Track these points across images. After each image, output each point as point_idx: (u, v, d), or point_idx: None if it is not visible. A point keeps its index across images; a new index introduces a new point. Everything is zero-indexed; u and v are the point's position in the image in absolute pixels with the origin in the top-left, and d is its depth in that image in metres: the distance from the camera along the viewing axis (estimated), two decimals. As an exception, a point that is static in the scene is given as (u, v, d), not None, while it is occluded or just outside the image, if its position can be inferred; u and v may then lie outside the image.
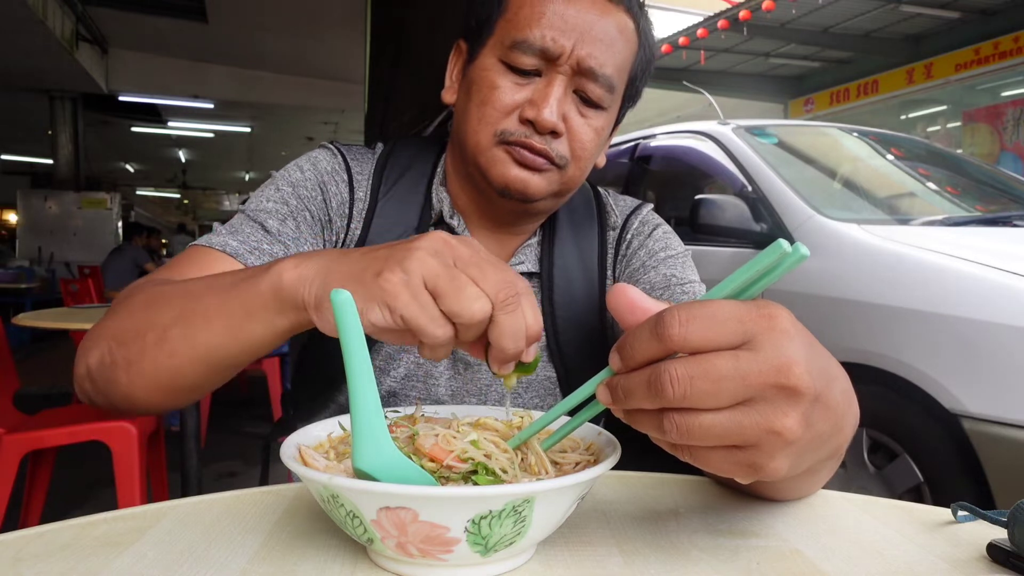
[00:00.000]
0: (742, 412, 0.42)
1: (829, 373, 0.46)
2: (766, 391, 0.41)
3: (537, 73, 0.86)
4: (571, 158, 0.88)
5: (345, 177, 0.97)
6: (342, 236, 0.95)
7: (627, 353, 0.44)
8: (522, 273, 0.98)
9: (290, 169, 0.97)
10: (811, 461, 0.47)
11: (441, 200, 0.96)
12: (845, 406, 0.48)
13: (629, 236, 1.02)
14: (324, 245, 0.93)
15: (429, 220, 0.96)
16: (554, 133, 0.85)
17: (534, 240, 1.00)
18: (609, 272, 1.01)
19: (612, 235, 1.03)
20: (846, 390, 0.49)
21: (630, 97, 0.96)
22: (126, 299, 0.73)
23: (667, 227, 1.04)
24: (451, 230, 0.95)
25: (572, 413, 0.54)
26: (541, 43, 0.83)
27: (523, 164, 0.86)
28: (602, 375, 0.48)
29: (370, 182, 0.97)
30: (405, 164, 0.99)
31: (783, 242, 0.41)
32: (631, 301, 0.47)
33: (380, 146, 1.03)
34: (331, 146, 1.01)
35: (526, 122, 0.85)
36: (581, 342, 0.97)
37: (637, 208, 1.06)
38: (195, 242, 0.85)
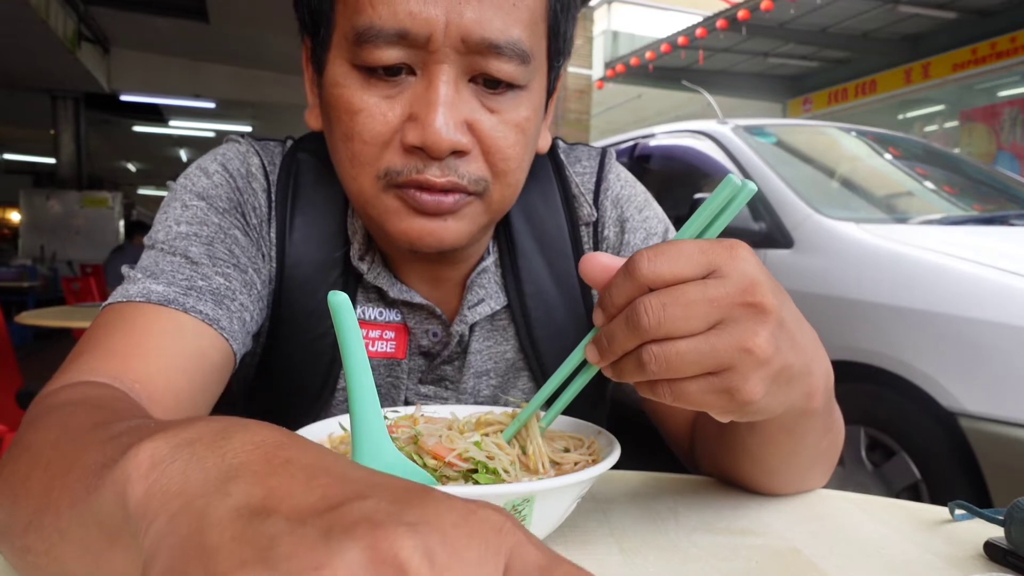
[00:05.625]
0: (715, 335, 0.44)
1: (793, 312, 0.49)
2: (734, 311, 0.44)
3: (410, 71, 0.62)
4: (492, 176, 0.66)
5: (264, 183, 0.75)
6: (266, 266, 0.75)
7: (606, 302, 0.47)
8: (488, 316, 0.78)
9: (193, 176, 0.74)
10: (784, 398, 0.49)
11: (355, 231, 0.75)
12: (813, 350, 0.51)
13: (606, 232, 0.82)
14: (269, 275, 0.75)
15: (348, 258, 0.76)
16: (457, 152, 0.62)
17: (489, 261, 0.78)
18: None
19: (586, 232, 0.82)
20: (813, 338, 0.52)
21: (559, 51, 0.70)
22: (18, 441, 0.46)
23: (634, 189, 0.85)
24: (359, 276, 0.76)
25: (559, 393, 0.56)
26: (395, 24, 0.59)
27: (423, 212, 0.64)
28: (587, 339, 0.50)
29: (277, 192, 0.75)
30: (315, 173, 0.77)
31: (734, 177, 0.45)
32: (604, 265, 0.48)
33: (291, 141, 0.81)
34: (242, 141, 0.78)
35: (413, 149, 0.62)
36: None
37: (601, 180, 0.83)
38: (110, 300, 0.64)
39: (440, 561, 0.21)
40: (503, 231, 0.79)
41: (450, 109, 0.61)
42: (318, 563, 0.20)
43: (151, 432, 0.31)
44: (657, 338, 0.44)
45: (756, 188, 0.46)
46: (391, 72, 0.62)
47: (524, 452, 0.56)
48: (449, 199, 0.64)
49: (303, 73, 0.73)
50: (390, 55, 0.60)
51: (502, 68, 0.62)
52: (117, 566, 0.33)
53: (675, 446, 0.82)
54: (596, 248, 0.83)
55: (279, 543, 0.21)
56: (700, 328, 0.44)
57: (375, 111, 0.62)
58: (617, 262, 0.48)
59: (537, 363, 0.80)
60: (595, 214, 0.82)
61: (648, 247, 0.45)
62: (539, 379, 0.81)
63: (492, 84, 0.63)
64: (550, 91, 0.73)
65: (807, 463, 0.65)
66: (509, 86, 0.64)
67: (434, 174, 0.62)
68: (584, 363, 0.53)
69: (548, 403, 0.57)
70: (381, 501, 0.23)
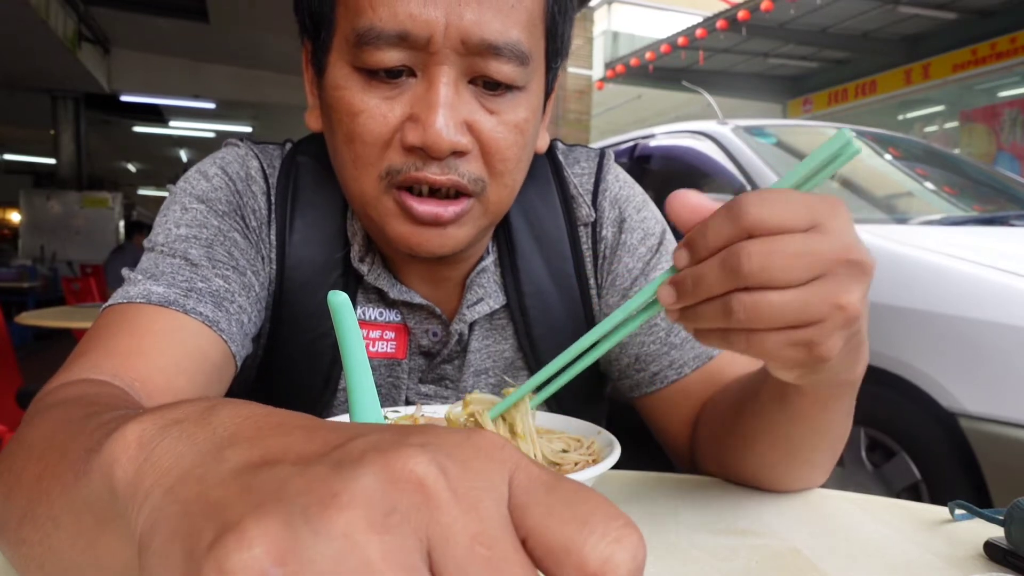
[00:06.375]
0: (810, 289, 0.43)
1: None
2: (835, 267, 0.43)
3: (411, 72, 0.62)
4: (490, 177, 0.66)
5: (263, 186, 0.75)
6: (266, 268, 0.75)
7: (699, 243, 0.45)
8: (488, 314, 0.78)
9: (192, 179, 0.74)
10: (848, 361, 0.50)
11: (355, 233, 0.75)
12: (865, 333, 0.51)
13: (604, 232, 0.82)
14: (269, 277, 0.75)
15: (348, 260, 0.76)
16: (457, 152, 0.63)
17: (489, 261, 0.78)
18: (592, 282, 0.82)
19: (584, 232, 0.82)
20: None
21: (557, 52, 0.71)
22: (15, 438, 0.46)
23: (632, 190, 0.85)
24: (359, 277, 0.76)
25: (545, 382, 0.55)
26: (395, 25, 0.59)
27: (420, 221, 0.65)
28: (659, 280, 0.48)
29: (276, 195, 0.76)
30: (314, 175, 0.77)
31: (847, 131, 0.44)
32: (693, 205, 0.47)
33: (289, 144, 0.82)
34: (242, 144, 0.79)
35: (413, 149, 0.62)
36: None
37: (599, 181, 0.83)
38: (111, 301, 0.65)
39: (453, 473, 0.21)
40: (502, 231, 0.80)
41: (450, 110, 0.61)
42: (334, 491, 0.20)
43: (138, 415, 0.30)
44: (752, 286, 0.43)
45: (860, 150, 0.45)
46: (392, 74, 0.62)
47: (512, 432, 0.56)
48: (449, 212, 0.64)
49: (303, 75, 0.74)
50: (391, 57, 0.61)
51: (501, 69, 0.62)
52: (111, 549, 0.32)
53: (669, 445, 0.82)
54: (594, 249, 0.82)
55: (290, 483, 0.21)
56: (799, 281, 0.43)
57: (375, 112, 0.62)
58: (708, 203, 0.46)
59: (535, 361, 0.80)
60: (593, 215, 0.82)
61: (752, 193, 0.44)
62: (535, 371, 0.81)
63: (491, 86, 0.64)
64: (548, 92, 0.73)
65: (823, 447, 0.65)
66: (508, 87, 0.64)
67: (434, 172, 0.63)
68: (587, 351, 0.52)
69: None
70: (383, 434, 0.23)
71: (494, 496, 0.21)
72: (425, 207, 0.64)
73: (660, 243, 0.83)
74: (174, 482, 0.24)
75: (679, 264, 0.47)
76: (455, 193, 0.65)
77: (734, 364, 0.77)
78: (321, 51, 0.67)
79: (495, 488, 0.22)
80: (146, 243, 0.71)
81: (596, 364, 0.85)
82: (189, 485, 0.23)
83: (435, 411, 0.67)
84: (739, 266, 0.42)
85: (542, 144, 0.76)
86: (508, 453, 0.23)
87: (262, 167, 0.76)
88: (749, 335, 0.45)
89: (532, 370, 0.81)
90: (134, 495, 0.26)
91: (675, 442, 0.80)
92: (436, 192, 0.65)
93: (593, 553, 0.20)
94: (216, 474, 0.23)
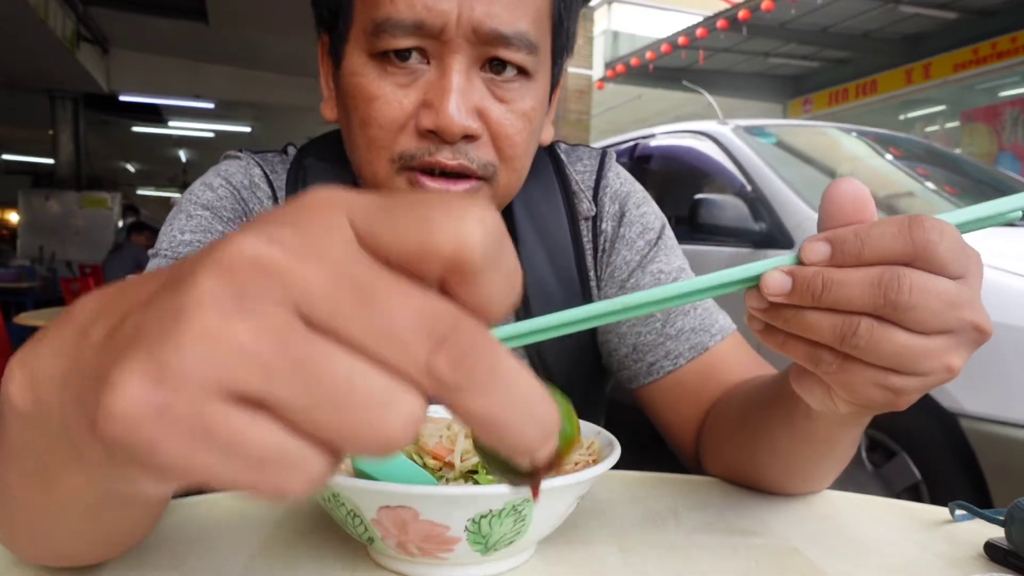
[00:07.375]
0: (935, 341, 0.40)
1: None
2: (966, 328, 0.40)
3: (424, 60, 0.65)
4: (500, 162, 0.68)
5: (268, 191, 0.78)
6: None
7: (851, 245, 0.39)
8: None
9: (197, 190, 0.77)
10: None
11: None
12: None
13: (604, 226, 0.84)
14: None
15: None
16: (468, 136, 0.65)
17: None
18: (592, 275, 0.83)
19: (585, 227, 0.84)
20: None
21: (563, 46, 0.74)
22: None
23: (633, 187, 0.87)
24: None
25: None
26: (412, 15, 0.62)
27: None
28: (768, 263, 0.41)
29: (287, 199, 0.75)
30: (324, 177, 0.79)
31: None
32: (862, 199, 0.41)
33: (292, 150, 0.84)
34: (242, 155, 0.81)
35: (427, 134, 0.65)
36: (573, 363, 0.84)
37: (601, 177, 0.85)
38: None
39: (285, 237, 0.21)
40: (506, 223, 0.79)
41: (462, 96, 0.63)
42: (179, 306, 0.20)
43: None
44: (889, 318, 0.39)
45: (1021, 216, 0.41)
46: (403, 57, 0.64)
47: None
48: (458, 187, 0.67)
49: (317, 70, 0.76)
50: (406, 43, 0.64)
51: (511, 57, 0.65)
52: (62, 485, 0.34)
53: (674, 442, 0.81)
54: (595, 243, 0.83)
55: (142, 324, 0.21)
56: (934, 330, 0.40)
57: (391, 98, 0.65)
58: (872, 203, 0.41)
59: (537, 353, 0.81)
60: (594, 209, 0.83)
61: (932, 218, 0.39)
62: (538, 368, 0.81)
63: (500, 68, 0.66)
64: (553, 85, 0.76)
65: (826, 467, 0.64)
66: (517, 73, 0.67)
67: (446, 156, 0.65)
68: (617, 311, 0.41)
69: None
70: (215, 243, 0.22)
71: (339, 237, 0.21)
72: (435, 183, 0.66)
73: (659, 237, 0.84)
74: (65, 375, 0.27)
75: (811, 258, 0.40)
76: (464, 176, 0.68)
77: (731, 358, 0.77)
78: (338, 42, 0.69)
79: (338, 229, 0.21)
80: (151, 252, 0.73)
81: (597, 361, 0.86)
82: (76, 373, 0.26)
83: (436, 411, 0.67)
84: (897, 294, 0.38)
85: (546, 136, 0.79)
86: (339, 196, 0.22)
87: (265, 174, 0.79)
88: (844, 360, 0.41)
89: (533, 362, 0.81)
90: (47, 416, 0.29)
91: (679, 439, 0.80)
92: (445, 175, 0.67)
93: (443, 239, 0.20)
94: (88, 351, 0.25)
